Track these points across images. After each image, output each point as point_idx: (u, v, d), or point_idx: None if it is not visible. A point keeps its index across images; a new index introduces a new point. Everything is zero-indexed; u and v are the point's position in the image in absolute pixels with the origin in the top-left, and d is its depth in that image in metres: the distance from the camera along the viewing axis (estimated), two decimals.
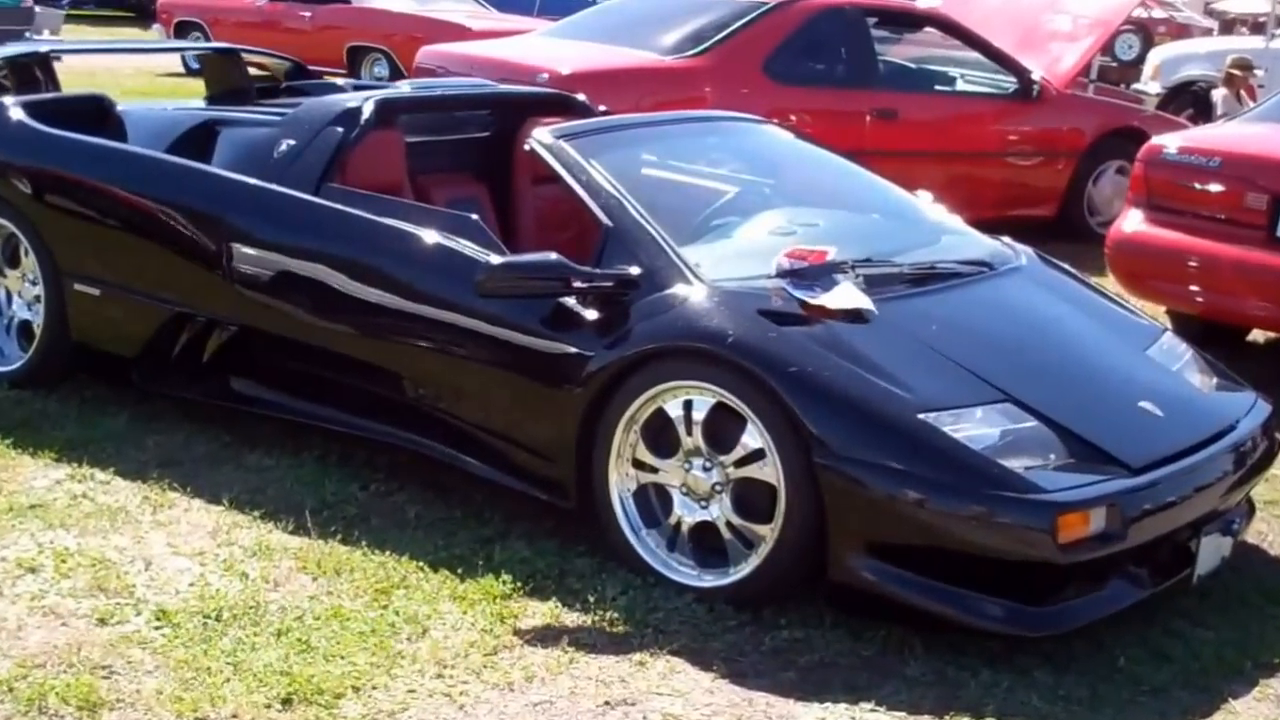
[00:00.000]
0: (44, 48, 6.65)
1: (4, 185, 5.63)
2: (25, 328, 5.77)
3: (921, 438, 3.96)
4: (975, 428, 4.03)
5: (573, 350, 4.39)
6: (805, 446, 3.99)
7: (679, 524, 4.29)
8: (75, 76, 7.88)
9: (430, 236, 4.76)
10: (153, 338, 5.39)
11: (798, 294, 4.32)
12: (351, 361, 4.95)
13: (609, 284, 4.39)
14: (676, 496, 4.29)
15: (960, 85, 10.47)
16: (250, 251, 5.10)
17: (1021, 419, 4.11)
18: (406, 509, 4.78)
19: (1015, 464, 3.94)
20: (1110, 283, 6.85)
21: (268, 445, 5.24)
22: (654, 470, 4.31)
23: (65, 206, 5.54)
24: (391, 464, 5.02)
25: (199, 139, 5.67)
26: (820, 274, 4.42)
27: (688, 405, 4.22)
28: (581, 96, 6.24)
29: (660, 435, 4.29)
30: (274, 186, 5.13)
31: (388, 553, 4.41)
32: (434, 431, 4.79)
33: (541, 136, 4.87)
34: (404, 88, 5.87)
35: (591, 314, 4.41)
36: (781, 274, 4.40)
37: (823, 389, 4.03)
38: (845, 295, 4.36)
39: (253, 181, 5.19)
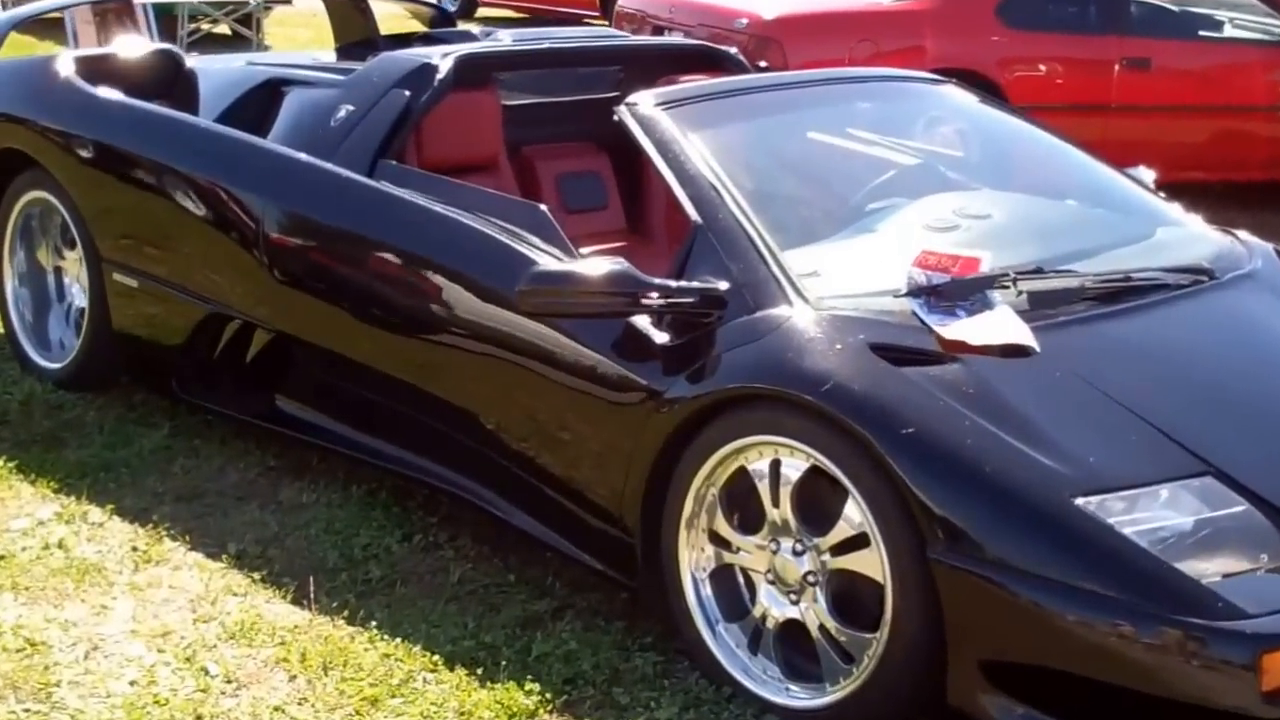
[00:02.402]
0: None
1: (49, 155, 4.87)
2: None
3: (1077, 532, 2.82)
4: (1158, 515, 2.88)
5: (641, 383, 3.38)
6: (919, 535, 2.91)
7: (765, 617, 3.24)
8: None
9: (483, 231, 3.78)
10: (191, 341, 4.56)
11: (931, 320, 3.20)
12: (394, 383, 4.02)
13: (689, 300, 3.34)
14: (761, 584, 3.24)
15: (1228, 31, 8.98)
16: (288, 243, 4.22)
17: (1227, 501, 2.93)
18: (450, 570, 3.83)
19: (1209, 569, 2.79)
20: None
21: (314, 475, 4.36)
22: (734, 548, 3.28)
23: (103, 182, 4.74)
24: (452, 509, 4.07)
25: (263, 102, 4.78)
26: (967, 291, 3.29)
27: (775, 467, 3.16)
28: (734, 50, 5.16)
29: (745, 503, 3.25)
30: (319, 163, 4.22)
31: (400, 638, 3.46)
32: (487, 476, 3.83)
33: (638, 103, 3.83)
34: (504, 39, 4.88)
35: (665, 338, 3.38)
36: (913, 291, 3.29)
37: (948, 458, 2.92)
38: (998, 323, 3.22)
39: (294, 156, 4.28)
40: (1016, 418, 2.99)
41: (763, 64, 5.04)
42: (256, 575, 3.78)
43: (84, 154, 4.75)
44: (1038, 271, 3.44)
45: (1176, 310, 3.52)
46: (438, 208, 3.91)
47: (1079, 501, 2.84)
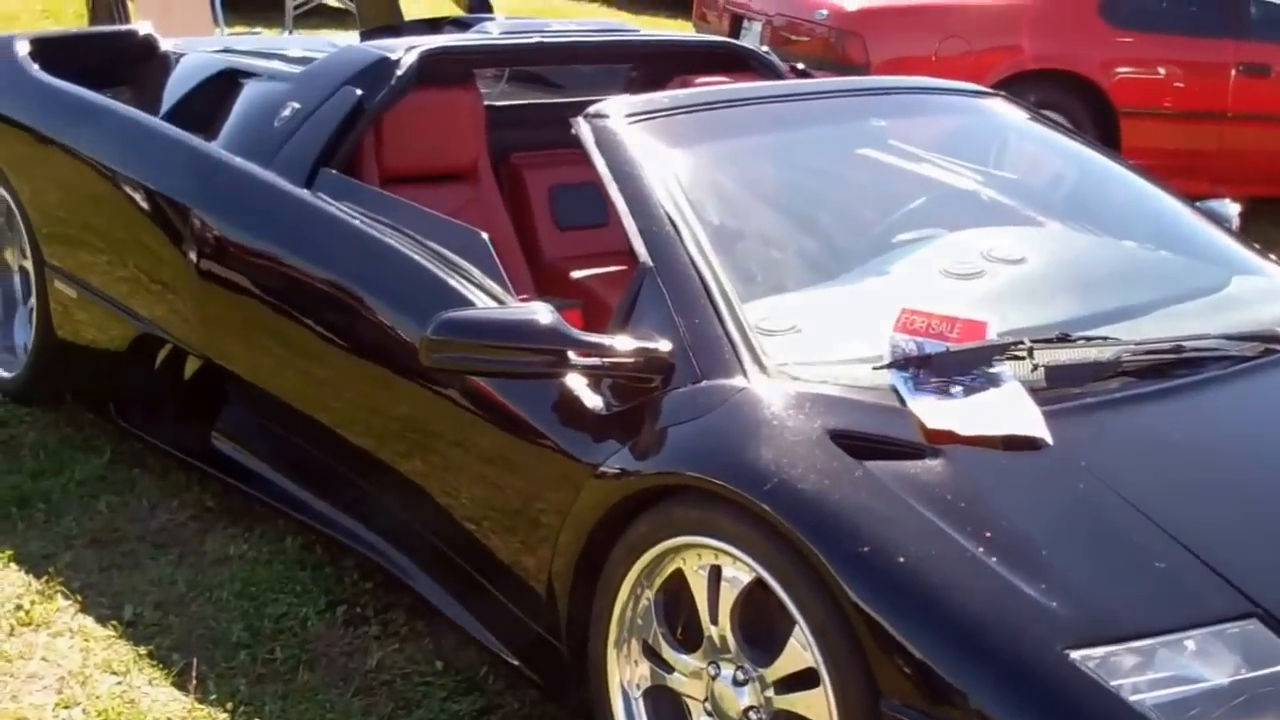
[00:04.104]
0: None
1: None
2: None
3: (1069, 695, 2.17)
4: (1182, 674, 2.22)
5: (570, 454, 2.80)
6: (874, 680, 2.29)
7: None
8: None
9: (413, 260, 3.22)
10: (128, 362, 4.07)
11: (914, 401, 2.57)
12: (320, 430, 3.48)
13: (626, 362, 2.75)
14: (699, 714, 2.64)
15: None
16: (216, 261, 3.69)
17: (1275, 654, 2.27)
18: (369, 652, 3.28)
19: None
20: None
21: (251, 522, 3.84)
22: (669, 667, 2.68)
23: (45, 177, 4.26)
24: (390, 576, 3.50)
25: (218, 95, 4.24)
26: (967, 364, 2.66)
27: (715, 574, 2.56)
28: (765, 50, 4.53)
29: (684, 612, 2.66)
30: (252, 169, 3.69)
31: None
32: (412, 546, 3.28)
33: (604, 113, 3.23)
34: (492, 29, 4.29)
35: (599, 402, 2.79)
36: (896, 362, 2.66)
37: (912, 585, 2.29)
38: (1001, 406, 2.59)
39: (227, 160, 3.76)
40: (1008, 536, 2.35)
41: (799, 66, 4.37)
42: (144, 649, 3.26)
43: (26, 146, 4.28)
44: (1062, 339, 2.77)
45: (1238, 390, 2.84)
46: (372, 229, 3.35)
47: (1076, 655, 2.20)
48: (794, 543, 2.37)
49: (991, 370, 2.65)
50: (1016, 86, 7.09)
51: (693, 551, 2.59)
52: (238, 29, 9.23)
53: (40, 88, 4.31)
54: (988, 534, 2.35)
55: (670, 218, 2.92)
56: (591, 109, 3.23)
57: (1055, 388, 2.68)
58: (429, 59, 3.81)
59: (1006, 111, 3.79)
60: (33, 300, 4.43)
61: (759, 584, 2.48)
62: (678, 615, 2.68)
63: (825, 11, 7.71)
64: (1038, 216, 3.56)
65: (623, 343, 2.75)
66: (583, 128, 3.17)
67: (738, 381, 2.65)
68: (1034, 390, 2.64)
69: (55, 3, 11.73)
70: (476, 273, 3.13)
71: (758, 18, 8.09)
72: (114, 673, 3.18)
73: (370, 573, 3.56)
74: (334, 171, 3.60)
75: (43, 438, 4.33)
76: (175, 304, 3.82)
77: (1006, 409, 2.58)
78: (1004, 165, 3.70)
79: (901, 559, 2.31)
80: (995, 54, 7.51)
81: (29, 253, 4.36)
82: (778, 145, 3.41)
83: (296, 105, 3.78)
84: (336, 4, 11.36)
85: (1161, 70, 7.69)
